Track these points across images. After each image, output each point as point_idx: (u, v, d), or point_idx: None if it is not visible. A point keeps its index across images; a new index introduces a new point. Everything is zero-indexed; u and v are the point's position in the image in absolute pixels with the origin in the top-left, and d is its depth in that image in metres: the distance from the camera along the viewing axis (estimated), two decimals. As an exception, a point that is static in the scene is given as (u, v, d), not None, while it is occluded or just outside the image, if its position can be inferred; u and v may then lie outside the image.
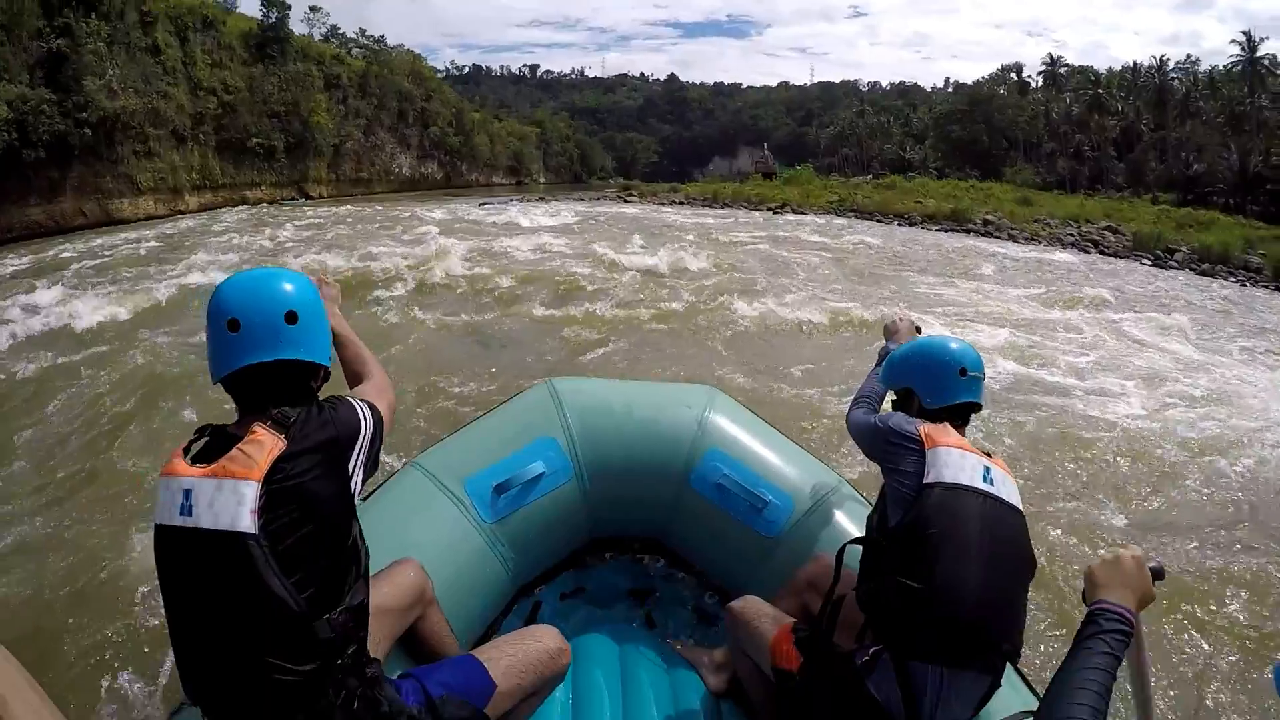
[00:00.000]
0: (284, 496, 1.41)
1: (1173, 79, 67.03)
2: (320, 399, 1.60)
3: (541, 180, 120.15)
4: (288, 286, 1.54)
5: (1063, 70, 79.19)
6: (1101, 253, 32.72)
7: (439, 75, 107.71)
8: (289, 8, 55.74)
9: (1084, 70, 77.71)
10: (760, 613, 2.20)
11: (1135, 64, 71.69)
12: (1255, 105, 58.14)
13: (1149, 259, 31.77)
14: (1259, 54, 60.32)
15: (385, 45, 79.03)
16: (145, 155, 38.30)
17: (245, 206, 43.65)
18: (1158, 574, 1.53)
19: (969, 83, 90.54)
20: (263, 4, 55.06)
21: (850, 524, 2.49)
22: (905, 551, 1.83)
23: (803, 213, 40.62)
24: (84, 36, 32.39)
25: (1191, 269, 29.77)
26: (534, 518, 2.54)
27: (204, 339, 1.55)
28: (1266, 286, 26.54)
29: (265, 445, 1.42)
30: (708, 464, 2.63)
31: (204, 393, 6.47)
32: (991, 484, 1.88)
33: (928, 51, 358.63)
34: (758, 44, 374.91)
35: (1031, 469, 5.81)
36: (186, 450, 1.48)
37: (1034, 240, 34.79)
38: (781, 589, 2.39)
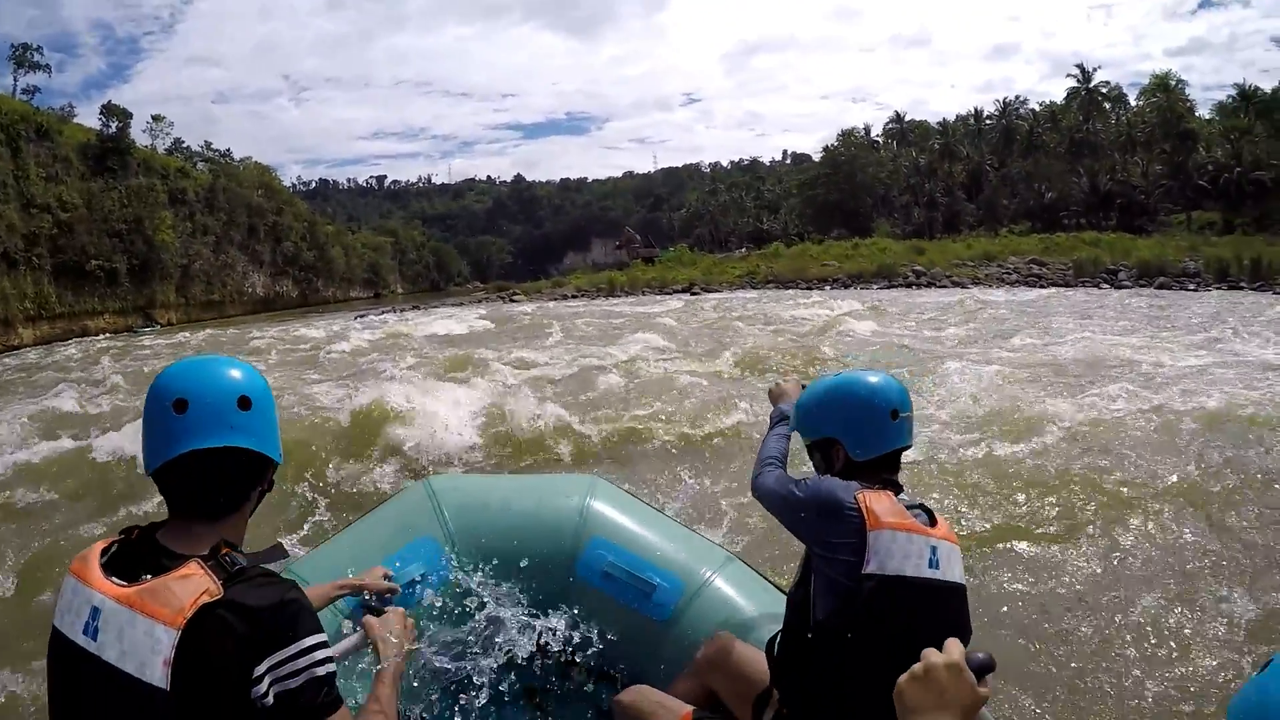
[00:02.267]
0: (201, 654, 1.18)
1: (1018, 119, 72.33)
2: (293, 584, 1.31)
3: (399, 291, 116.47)
4: (238, 373, 1.38)
5: (906, 125, 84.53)
6: (1054, 284, 33.06)
7: (288, 190, 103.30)
8: (130, 117, 51.03)
9: (922, 124, 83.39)
10: (653, 702, 2.11)
11: (977, 110, 77.55)
12: (1091, 130, 63.54)
13: (1103, 283, 32.57)
14: (1092, 84, 66.50)
15: (232, 159, 74.42)
16: (-29, 282, 32.64)
17: (88, 338, 38.02)
18: (985, 668, 1.18)
19: (806, 152, 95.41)
20: (102, 113, 50.23)
21: (742, 599, 2.48)
22: (836, 648, 1.70)
23: (716, 290, 39.73)
24: (-103, 141, 27.02)
25: (1143, 285, 30.89)
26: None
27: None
28: (1242, 287, 27.88)
29: (195, 586, 1.20)
30: (592, 552, 2.59)
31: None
32: (937, 566, 1.70)
33: (761, 129, 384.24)
34: (598, 138, 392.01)
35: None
36: (105, 552, 1.28)
37: (980, 283, 34.90)
38: (679, 674, 2.31)
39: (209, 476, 1.31)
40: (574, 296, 41.96)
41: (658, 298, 37.05)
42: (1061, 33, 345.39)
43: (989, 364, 10.01)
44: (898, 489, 1.80)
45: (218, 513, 1.33)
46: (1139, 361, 10.52)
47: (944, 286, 34.71)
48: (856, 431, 1.85)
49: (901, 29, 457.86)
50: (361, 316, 35.84)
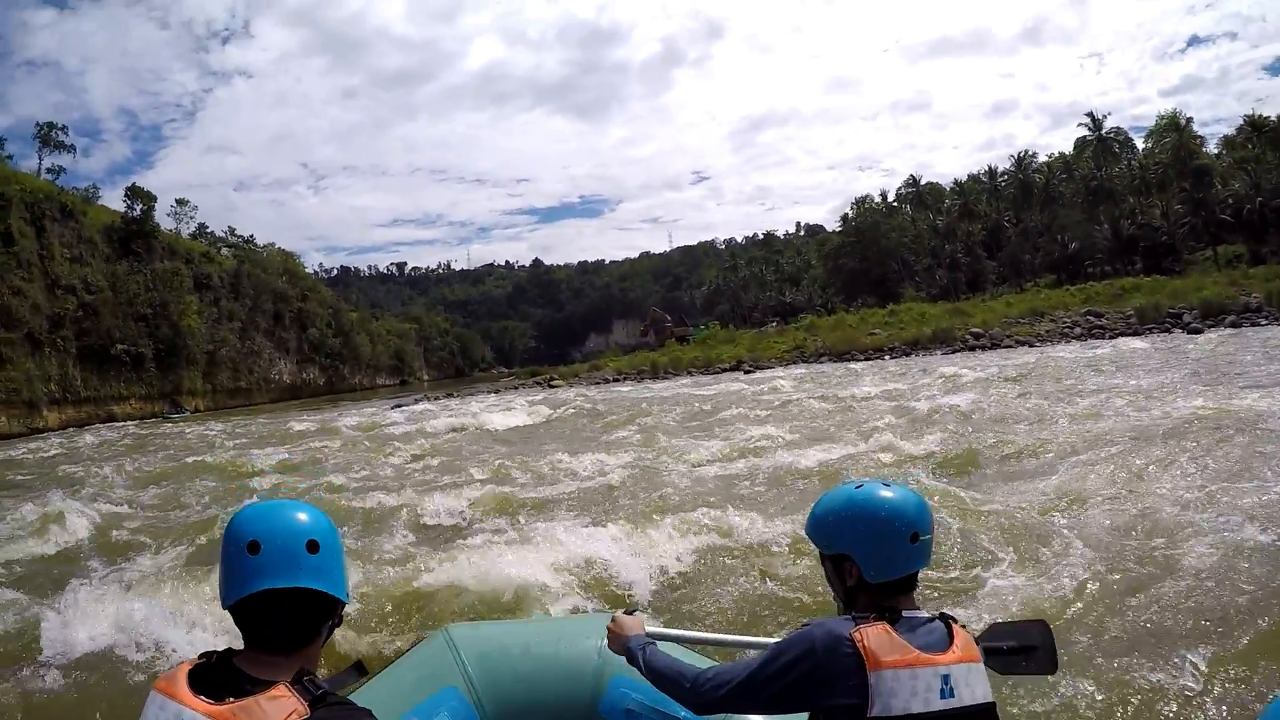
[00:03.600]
0: None
1: (1033, 173, 72.28)
2: (370, 712, 1.42)
3: (425, 378, 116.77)
4: (307, 517, 1.48)
5: (923, 187, 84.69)
6: (1120, 334, 32.23)
7: (312, 277, 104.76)
8: (154, 200, 51.68)
9: (935, 186, 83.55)
10: None
11: (991, 168, 77.61)
12: (1106, 176, 63.37)
13: (1172, 327, 31.87)
14: (1104, 131, 66.65)
15: (255, 245, 75.73)
16: (-5, 363, 32.53)
17: (114, 423, 37.61)
18: None
19: (819, 223, 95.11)
20: (126, 195, 50.74)
21: None
22: None
23: (768, 366, 38.15)
24: (-78, 216, 27.18)
25: (1212, 326, 30.11)
26: None
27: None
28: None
29: (285, 707, 1.30)
30: (615, 691, 2.59)
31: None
32: (952, 694, 1.62)
33: (771, 202, 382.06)
34: (612, 220, 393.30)
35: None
36: (191, 673, 1.38)
37: (1044, 340, 34.21)
38: None
39: (281, 614, 1.39)
40: (616, 380, 40.03)
41: (706, 378, 35.15)
42: (1056, 85, 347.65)
43: (1135, 445, 8.40)
44: (895, 616, 1.66)
45: (291, 647, 1.41)
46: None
47: (1008, 347, 33.44)
48: (873, 552, 1.73)
49: (900, 94, 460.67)
50: (398, 406, 33.80)
